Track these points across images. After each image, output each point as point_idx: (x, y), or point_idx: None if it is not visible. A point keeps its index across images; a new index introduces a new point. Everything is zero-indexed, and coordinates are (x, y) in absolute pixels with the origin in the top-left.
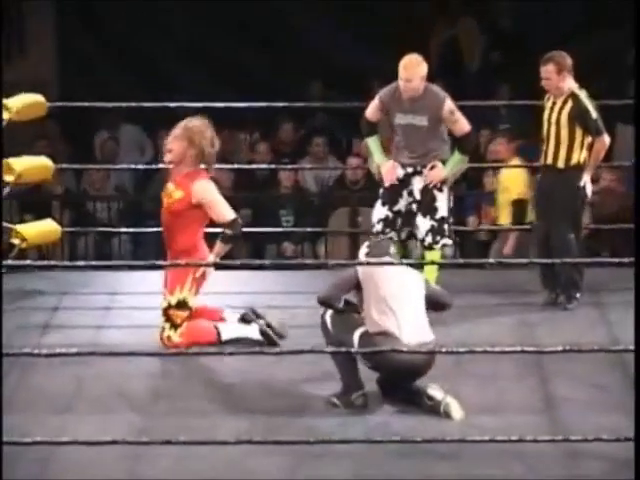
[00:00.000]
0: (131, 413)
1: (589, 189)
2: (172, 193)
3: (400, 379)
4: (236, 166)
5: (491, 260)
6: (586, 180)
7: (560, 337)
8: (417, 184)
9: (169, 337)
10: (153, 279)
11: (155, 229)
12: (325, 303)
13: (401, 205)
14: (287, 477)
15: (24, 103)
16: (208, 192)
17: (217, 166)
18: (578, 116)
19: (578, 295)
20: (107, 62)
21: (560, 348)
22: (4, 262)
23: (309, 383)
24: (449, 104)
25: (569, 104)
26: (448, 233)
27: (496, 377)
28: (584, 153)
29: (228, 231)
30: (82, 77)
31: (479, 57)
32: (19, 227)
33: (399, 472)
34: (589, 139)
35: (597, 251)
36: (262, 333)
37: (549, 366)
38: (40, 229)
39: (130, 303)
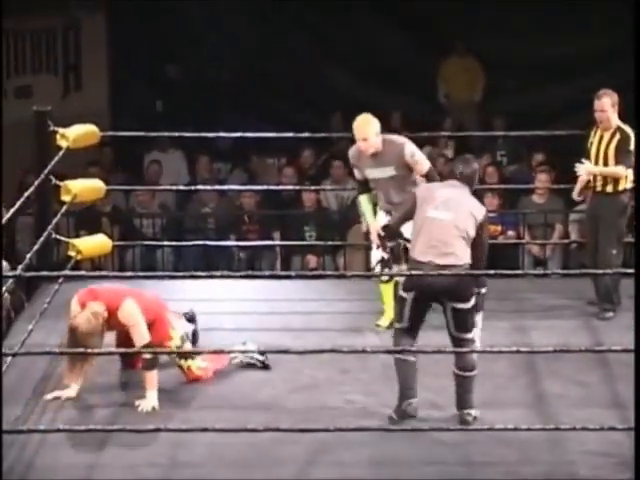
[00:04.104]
0: (171, 405)
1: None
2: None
3: (425, 297)
4: (265, 187)
5: (491, 272)
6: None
7: (550, 339)
8: (404, 226)
9: (189, 367)
10: (193, 288)
11: (194, 242)
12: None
13: (393, 244)
14: (310, 462)
15: (79, 132)
16: (130, 317)
17: (249, 187)
18: (621, 146)
19: (611, 312)
20: (153, 96)
21: (550, 349)
22: (63, 272)
23: (328, 380)
24: (409, 147)
25: (617, 137)
26: None
27: (493, 375)
28: (630, 178)
29: (148, 356)
30: (131, 109)
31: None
32: (75, 241)
33: (409, 457)
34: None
35: (582, 262)
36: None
37: (540, 365)
38: (93, 243)
39: (172, 308)
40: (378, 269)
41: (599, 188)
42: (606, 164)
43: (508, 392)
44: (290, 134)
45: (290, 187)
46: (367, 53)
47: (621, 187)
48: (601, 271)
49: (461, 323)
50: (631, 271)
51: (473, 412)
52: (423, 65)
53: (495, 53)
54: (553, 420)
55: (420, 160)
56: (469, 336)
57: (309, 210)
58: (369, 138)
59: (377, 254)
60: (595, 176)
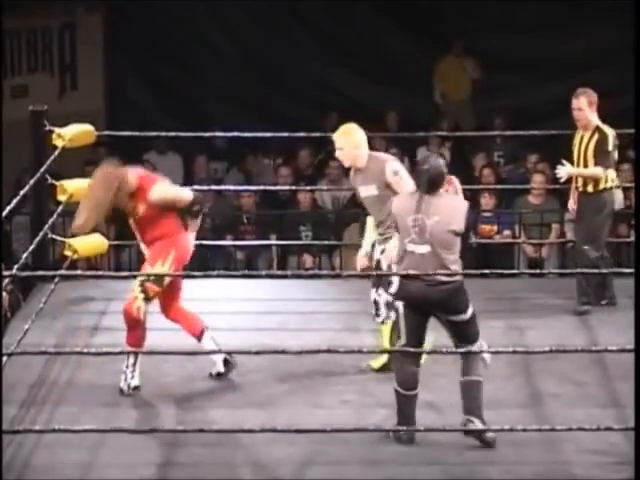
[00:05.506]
0: (168, 406)
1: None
2: (135, 209)
3: (417, 308)
4: (261, 187)
5: (486, 271)
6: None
7: (546, 339)
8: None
9: (139, 308)
10: (189, 287)
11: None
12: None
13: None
14: (306, 463)
15: (76, 132)
16: (163, 194)
17: (245, 188)
18: (599, 147)
19: (586, 305)
20: (149, 96)
21: (547, 349)
22: (59, 272)
23: (325, 379)
24: (392, 166)
25: (595, 137)
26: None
27: (490, 375)
28: (611, 175)
29: (194, 208)
30: (127, 109)
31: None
32: (71, 241)
33: (406, 458)
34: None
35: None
36: (225, 363)
37: (536, 365)
38: (89, 243)
39: None
40: (372, 312)
41: (581, 188)
42: (586, 165)
43: (504, 392)
44: (285, 134)
45: (286, 187)
46: (366, 52)
47: (601, 186)
48: (597, 271)
49: (462, 336)
50: (631, 271)
51: (477, 421)
52: (422, 64)
53: (494, 52)
54: (549, 420)
55: (402, 182)
56: (474, 348)
57: (305, 210)
58: (344, 148)
59: (372, 294)
60: (577, 177)
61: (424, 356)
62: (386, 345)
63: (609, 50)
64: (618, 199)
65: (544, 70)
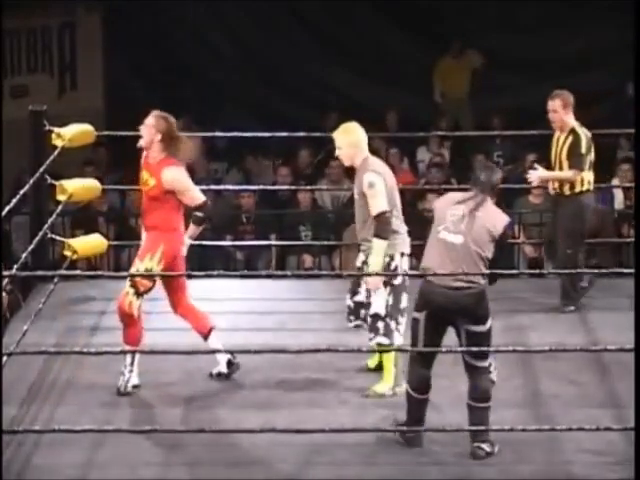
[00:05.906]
0: (168, 405)
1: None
2: (147, 181)
3: (440, 317)
4: (261, 187)
5: (486, 271)
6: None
7: (545, 339)
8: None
9: (130, 303)
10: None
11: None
12: None
13: (362, 297)
14: (306, 463)
15: (75, 132)
16: (177, 180)
17: (245, 187)
18: (572, 149)
19: (571, 306)
20: (148, 96)
21: (546, 348)
22: (59, 272)
23: (324, 380)
24: (370, 177)
25: (569, 140)
26: (384, 331)
27: None
28: (587, 177)
29: (199, 213)
30: (126, 109)
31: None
32: (71, 241)
33: (405, 458)
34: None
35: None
36: (229, 364)
37: (536, 365)
38: (89, 243)
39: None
40: (346, 316)
41: (557, 190)
42: (561, 167)
43: (504, 392)
44: (285, 133)
45: (285, 187)
46: (366, 52)
47: (578, 189)
48: (596, 270)
49: (476, 348)
50: (631, 271)
51: (486, 446)
52: (421, 64)
53: (494, 52)
54: (549, 420)
55: (374, 198)
56: (484, 364)
57: (305, 210)
58: (342, 147)
59: (347, 300)
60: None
61: None
62: (389, 366)
63: (609, 50)
64: (618, 199)
65: (544, 70)
